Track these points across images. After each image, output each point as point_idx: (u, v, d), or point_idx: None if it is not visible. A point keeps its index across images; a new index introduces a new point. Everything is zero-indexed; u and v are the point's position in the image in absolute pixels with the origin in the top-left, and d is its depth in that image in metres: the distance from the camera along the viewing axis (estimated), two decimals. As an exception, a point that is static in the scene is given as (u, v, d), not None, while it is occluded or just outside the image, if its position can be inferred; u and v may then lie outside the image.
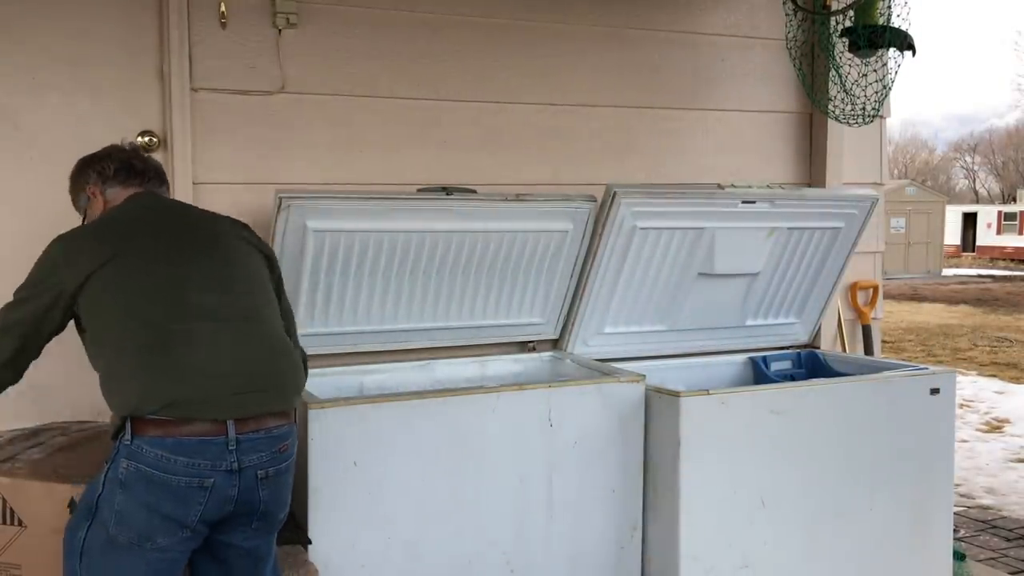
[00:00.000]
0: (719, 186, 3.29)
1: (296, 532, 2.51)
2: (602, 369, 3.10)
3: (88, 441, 2.42)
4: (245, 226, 2.33)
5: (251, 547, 2.12)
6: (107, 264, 2.07)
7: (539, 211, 3.13)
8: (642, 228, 3.22)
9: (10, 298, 2.18)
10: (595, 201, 3.17)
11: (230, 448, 1.96)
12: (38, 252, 2.19)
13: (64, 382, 2.97)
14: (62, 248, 2.15)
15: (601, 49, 3.66)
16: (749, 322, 3.69)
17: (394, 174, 3.30)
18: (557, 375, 3.30)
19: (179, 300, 2.06)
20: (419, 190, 3.00)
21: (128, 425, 1.94)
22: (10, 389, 2.97)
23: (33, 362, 2.21)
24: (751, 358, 3.72)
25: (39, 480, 2.15)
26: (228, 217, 2.34)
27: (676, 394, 2.78)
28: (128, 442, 1.94)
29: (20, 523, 2.15)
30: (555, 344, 3.45)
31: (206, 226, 2.28)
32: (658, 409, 2.86)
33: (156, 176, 2.36)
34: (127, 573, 1.97)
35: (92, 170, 2.31)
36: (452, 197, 2.97)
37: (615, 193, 3.10)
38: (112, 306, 2.06)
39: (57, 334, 2.16)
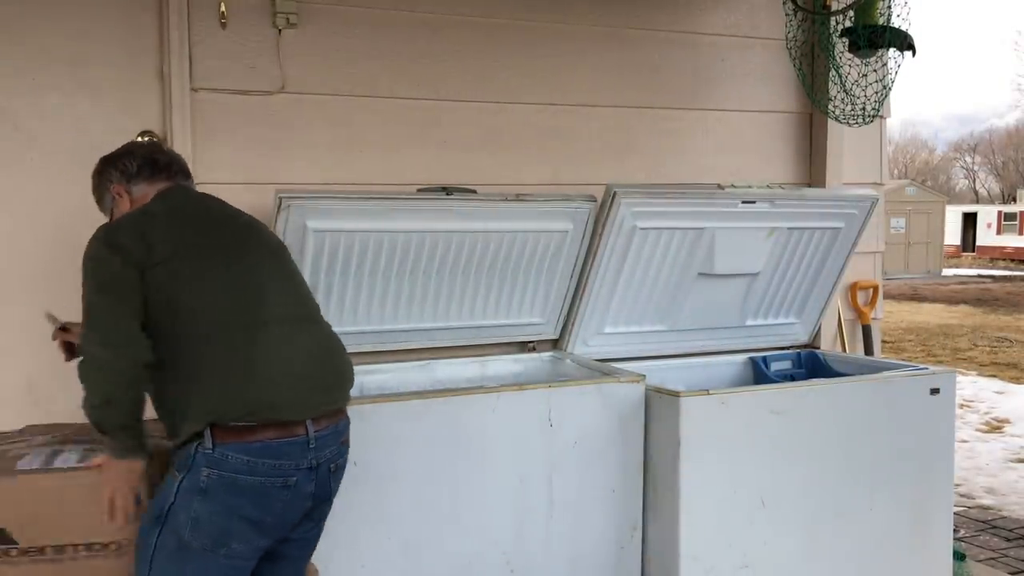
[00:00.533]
0: (719, 186, 3.30)
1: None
2: (602, 369, 3.10)
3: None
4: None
5: (309, 537, 2.20)
6: (167, 260, 2.04)
7: (539, 211, 3.13)
8: (642, 228, 3.22)
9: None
10: (595, 201, 3.17)
11: (310, 446, 2.03)
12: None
13: (64, 382, 2.97)
14: (115, 238, 2.07)
15: (601, 49, 3.66)
16: (749, 322, 3.69)
17: (394, 174, 3.30)
18: (557, 375, 3.30)
19: (251, 302, 2.08)
20: (419, 190, 3.00)
21: (208, 433, 1.95)
22: (10, 389, 2.99)
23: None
24: (751, 358, 3.72)
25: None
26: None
27: (676, 394, 2.78)
28: (209, 450, 1.95)
29: None
30: (555, 344, 3.46)
31: (253, 225, 2.27)
32: (658, 409, 2.86)
33: (180, 170, 2.32)
34: None
35: (114, 169, 2.25)
36: (452, 197, 2.97)
37: (615, 193, 3.10)
38: (176, 306, 2.02)
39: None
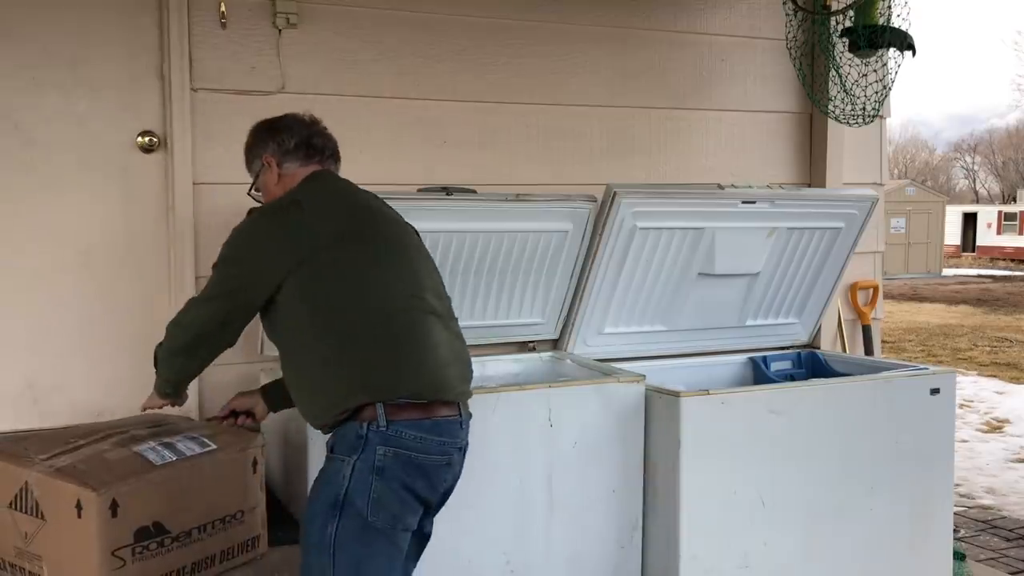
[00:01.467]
0: (719, 186, 3.29)
1: (298, 532, 2.51)
2: (602, 369, 3.10)
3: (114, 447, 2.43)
4: None
5: (429, 531, 2.26)
6: (330, 248, 2.10)
7: (539, 211, 3.13)
8: (642, 228, 3.22)
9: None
10: (595, 201, 3.17)
11: (463, 428, 2.16)
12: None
13: (64, 382, 2.98)
14: (285, 221, 2.15)
15: (601, 49, 3.67)
16: (749, 322, 3.69)
17: (394, 174, 3.30)
18: (557, 375, 3.30)
19: (415, 291, 2.17)
20: (419, 190, 3.00)
21: (382, 411, 2.02)
22: (9, 389, 2.99)
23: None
24: (751, 358, 3.72)
25: (61, 480, 2.21)
26: None
27: (676, 394, 2.78)
28: (384, 428, 2.02)
29: (42, 516, 2.23)
30: (555, 344, 3.45)
31: (399, 217, 2.34)
32: (658, 409, 2.86)
33: (332, 154, 2.38)
34: (382, 556, 2.05)
35: (272, 140, 2.32)
36: (452, 197, 2.97)
37: (615, 193, 3.10)
38: (343, 291, 2.09)
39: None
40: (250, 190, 2.42)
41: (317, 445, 2.49)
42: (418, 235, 2.37)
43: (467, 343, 2.29)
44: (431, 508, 2.18)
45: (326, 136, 2.39)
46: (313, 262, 2.09)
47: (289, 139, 2.31)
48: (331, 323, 2.08)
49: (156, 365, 2.32)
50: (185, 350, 2.24)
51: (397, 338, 2.09)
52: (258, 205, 2.37)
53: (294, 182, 2.28)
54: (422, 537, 2.24)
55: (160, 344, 2.29)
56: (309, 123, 2.38)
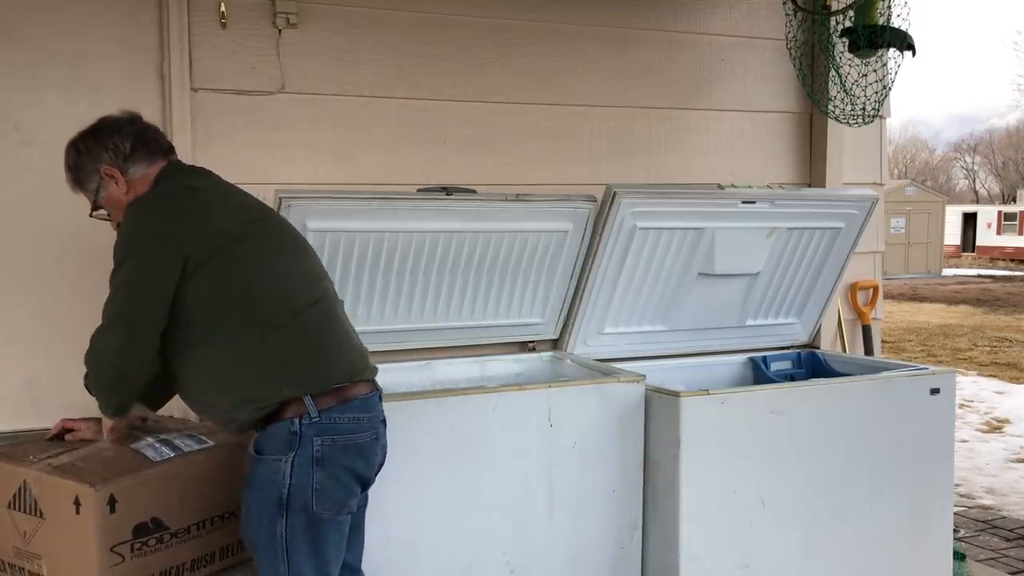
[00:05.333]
0: (719, 186, 3.29)
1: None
2: (602, 369, 3.10)
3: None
4: None
5: (363, 504, 2.26)
6: (236, 237, 2.05)
7: (539, 211, 3.13)
8: (642, 228, 3.22)
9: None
10: (595, 201, 3.17)
11: (380, 401, 2.18)
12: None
13: (64, 382, 2.97)
14: (182, 208, 2.05)
15: (601, 49, 3.66)
16: (749, 322, 3.69)
17: (394, 174, 3.30)
18: (557, 375, 3.30)
19: (317, 281, 2.17)
20: (419, 190, 3.00)
21: (310, 403, 2.02)
22: (10, 389, 2.99)
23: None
24: (751, 358, 3.72)
25: (59, 477, 2.20)
26: None
27: (676, 394, 2.78)
28: (316, 419, 2.02)
29: (41, 515, 2.22)
30: (555, 344, 3.45)
31: (268, 207, 2.30)
32: (658, 409, 2.86)
33: (169, 146, 2.25)
34: (331, 545, 2.07)
35: (103, 149, 2.14)
36: (452, 197, 2.97)
37: (615, 193, 3.10)
38: (253, 283, 2.06)
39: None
40: (92, 212, 2.23)
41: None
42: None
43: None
44: (367, 485, 2.19)
45: (153, 128, 2.23)
46: (219, 254, 2.01)
47: (122, 142, 2.13)
48: (243, 317, 2.03)
49: (91, 393, 2.18)
50: (111, 383, 2.13)
51: (314, 327, 2.09)
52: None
53: (148, 183, 2.13)
54: (358, 511, 2.25)
55: (86, 375, 2.15)
56: (130, 119, 2.20)
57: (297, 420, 2.01)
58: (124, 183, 2.15)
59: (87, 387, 2.17)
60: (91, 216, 2.25)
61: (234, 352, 2.05)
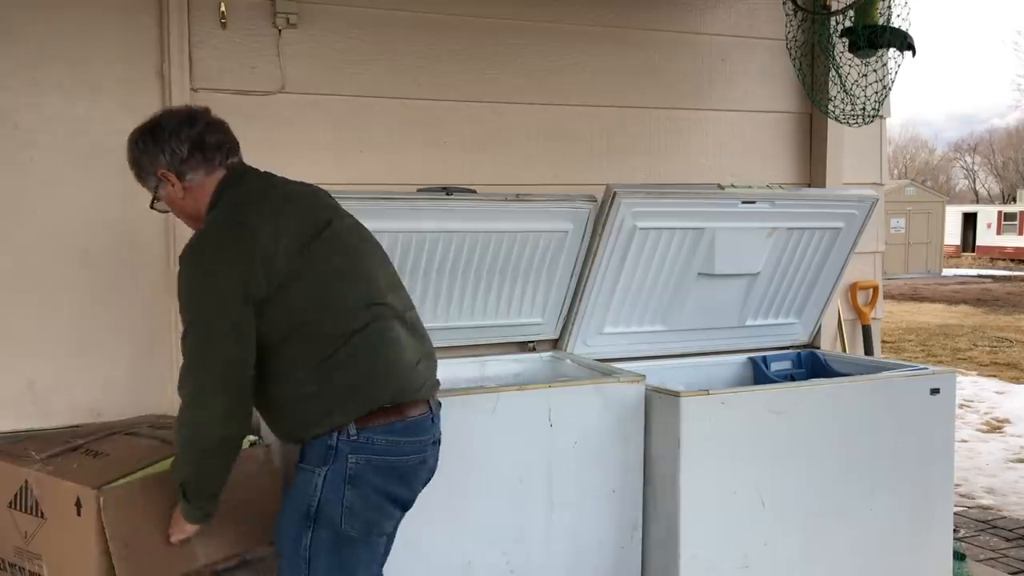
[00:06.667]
0: (719, 186, 3.29)
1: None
2: (602, 369, 3.10)
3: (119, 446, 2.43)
4: None
5: (394, 531, 2.21)
6: (290, 267, 1.96)
7: (539, 211, 3.13)
8: (642, 228, 3.22)
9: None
10: (595, 201, 3.17)
11: (434, 422, 2.13)
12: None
13: (64, 382, 2.98)
14: (232, 248, 1.94)
15: (601, 49, 3.66)
16: (749, 322, 3.69)
17: (394, 174, 3.30)
18: (557, 375, 3.30)
19: (376, 300, 2.08)
20: (419, 190, 3.00)
21: (351, 422, 1.99)
22: (9, 389, 2.98)
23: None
24: (751, 358, 3.72)
25: (61, 478, 2.21)
26: None
27: (676, 394, 2.78)
28: (354, 437, 1.98)
29: (42, 515, 2.23)
30: (555, 344, 3.45)
31: (334, 202, 2.21)
32: (658, 409, 2.86)
33: (232, 145, 2.15)
34: (360, 564, 2.04)
35: (161, 151, 2.08)
36: (452, 197, 2.97)
37: (615, 193, 3.10)
38: (306, 314, 1.99)
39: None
40: (152, 203, 2.20)
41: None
42: (350, 217, 2.20)
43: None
44: (407, 507, 2.14)
45: (215, 126, 2.14)
46: (278, 293, 1.96)
47: (179, 146, 2.06)
48: (295, 350, 1.99)
49: (185, 495, 2.04)
50: (218, 447, 1.99)
51: (366, 355, 2.02)
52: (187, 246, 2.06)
53: (206, 194, 2.09)
54: (389, 538, 2.21)
55: (175, 462, 2.03)
56: (192, 118, 2.11)
57: (335, 435, 1.99)
58: (181, 188, 2.11)
59: (182, 487, 2.04)
60: (151, 207, 2.22)
61: (285, 389, 2.03)
